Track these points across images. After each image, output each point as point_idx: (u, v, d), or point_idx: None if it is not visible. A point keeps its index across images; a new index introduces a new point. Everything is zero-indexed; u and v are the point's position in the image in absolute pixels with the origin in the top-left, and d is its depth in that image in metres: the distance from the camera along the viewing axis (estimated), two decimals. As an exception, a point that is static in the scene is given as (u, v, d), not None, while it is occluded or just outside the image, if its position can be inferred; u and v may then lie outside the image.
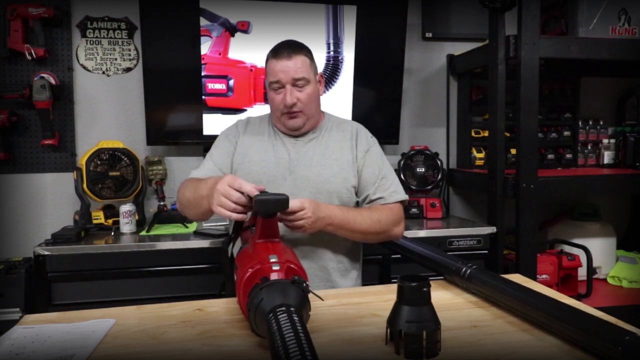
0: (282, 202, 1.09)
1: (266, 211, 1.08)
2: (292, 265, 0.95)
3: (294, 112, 1.50)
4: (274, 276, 0.90)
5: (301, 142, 1.56)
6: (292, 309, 0.78)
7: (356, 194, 1.56)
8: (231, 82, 2.47)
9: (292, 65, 1.47)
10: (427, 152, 2.67)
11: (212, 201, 1.21)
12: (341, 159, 1.54)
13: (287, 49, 1.49)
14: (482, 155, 2.77)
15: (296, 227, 1.31)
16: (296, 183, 1.50)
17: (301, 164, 1.52)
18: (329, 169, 1.52)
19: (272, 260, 0.93)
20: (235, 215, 1.18)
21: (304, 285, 0.88)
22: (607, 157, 2.92)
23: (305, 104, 1.50)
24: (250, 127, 1.61)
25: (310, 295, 0.90)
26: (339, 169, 1.52)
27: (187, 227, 2.29)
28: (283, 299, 0.81)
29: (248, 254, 1.04)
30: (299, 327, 0.72)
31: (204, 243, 2.06)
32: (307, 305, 0.87)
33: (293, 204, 1.24)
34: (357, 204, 1.57)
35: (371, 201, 1.54)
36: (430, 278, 0.92)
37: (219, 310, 1.12)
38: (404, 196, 1.57)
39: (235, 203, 1.17)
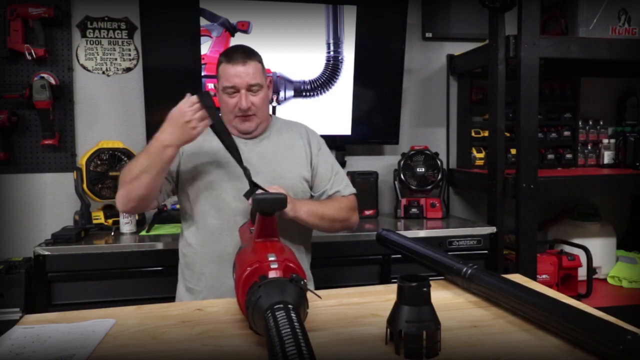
0: (280, 201, 1.09)
1: (264, 210, 1.08)
2: (290, 264, 0.95)
3: (248, 116, 1.56)
4: (272, 274, 0.90)
5: (254, 142, 1.62)
6: (289, 306, 0.78)
7: (310, 188, 1.66)
8: (231, 82, 2.47)
9: (247, 71, 1.53)
10: (427, 152, 2.67)
11: (182, 122, 1.38)
12: (294, 156, 1.63)
13: (241, 54, 1.55)
14: (482, 155, 2.77)
15: None
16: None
17: (256, 161, 1.56)
18: (283, 165, 1.59)
19: (271, 258, 0.93)
20: (203, 124, 1.39)
21: (302, 283, 0.88)
22: (607, 157, 2.92)
23: (259, 107, 1.57)
24: None
25: (309, 294, 0.90)
26: (293, 165, 1.61)
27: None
28: (281, 297, 0.82)
29: (247, 253, 1.04)
30: (296, 324, 0.72)
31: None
32: (305, 303, 0.87)
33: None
34: (311, 198, 1.66)
35: (329, 195, 1.65)
36: (431, 278, 0.92)
37: (219, 310, 1.11)
38: (354, 190, 1.72)
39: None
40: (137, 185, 1.44)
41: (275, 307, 0.78)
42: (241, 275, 0.94)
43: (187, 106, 1.38)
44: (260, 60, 1.59)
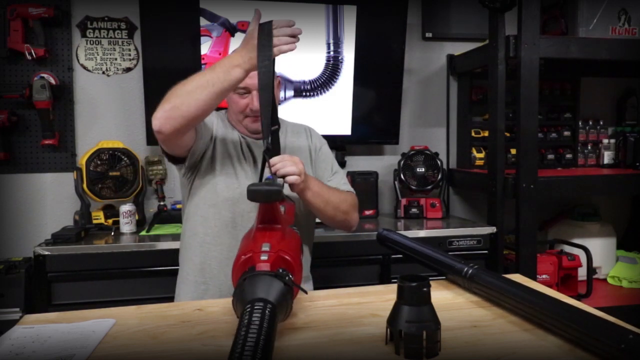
0: (273, 193, 1.07)
1: (257, 202, 1.08)
2: (284, 255, 0.95)
3: (258, 116, 1.51)
4: (260, 267, 0.91)
5: (261, 142, 1.57)
6: (269, 305, 0.80)
7: None
8: (231, 82, 2.47)
9: None
10: (427, 152, 2.68)
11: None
12: (300, 156, 1.60)
13: None
14: (482, 155, 2.77)
15: (288, 173, 1.33)
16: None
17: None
18: None
19: (263, 249, 0.94)
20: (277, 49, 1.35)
21: (287, 278, 0.88)
22: (607, 157, 2.92)
23: None
24: (220, 120, 1.63)
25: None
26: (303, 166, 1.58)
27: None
28: (262, 293, 0.83)
29: (248, 239, 1.04)
30: (265, 325, 0.74)
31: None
32: (287, 297, 0.88)
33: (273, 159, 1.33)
34: None
35: None
36: (431, 278, 0.92)
37: (219, 310, 1.11)
38: (353, 190, 1.67)
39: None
40: (188, 100, 1.32)
41: (255, 304, 0.80)
42: (235, 263, 0.97)
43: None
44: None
